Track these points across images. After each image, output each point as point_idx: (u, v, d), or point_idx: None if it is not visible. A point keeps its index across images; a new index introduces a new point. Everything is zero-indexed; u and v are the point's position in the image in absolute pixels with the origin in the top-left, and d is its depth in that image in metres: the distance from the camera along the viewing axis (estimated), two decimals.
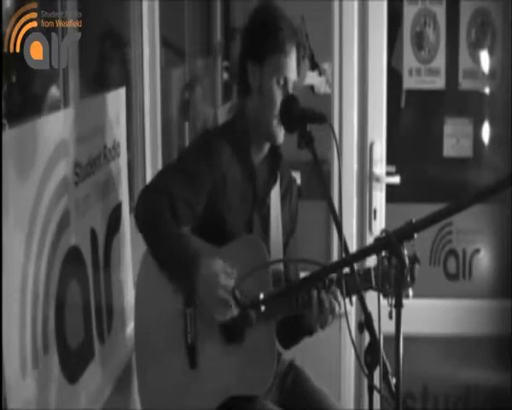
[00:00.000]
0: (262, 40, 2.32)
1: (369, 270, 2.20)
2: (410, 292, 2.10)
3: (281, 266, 2.39)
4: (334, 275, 2.19)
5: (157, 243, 2.25)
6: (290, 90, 2.30)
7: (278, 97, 2.28)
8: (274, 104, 2.29)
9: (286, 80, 2.30)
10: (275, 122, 2.29)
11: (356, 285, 1.94)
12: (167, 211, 2.22)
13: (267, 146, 2.41)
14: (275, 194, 2.43)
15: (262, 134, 2.36)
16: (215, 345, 2.25)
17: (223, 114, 4.41)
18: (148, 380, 2.28)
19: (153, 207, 2.23)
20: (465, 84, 3.48)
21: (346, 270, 2.05)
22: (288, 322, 2.30)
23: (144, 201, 2.27)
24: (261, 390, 2.26)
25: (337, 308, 2.20)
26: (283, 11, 2.35)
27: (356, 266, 1.98)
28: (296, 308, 2.23)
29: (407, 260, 1.59)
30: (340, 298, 2.20)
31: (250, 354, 2.25)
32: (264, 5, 2.39)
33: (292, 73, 2.31)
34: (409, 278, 2.18)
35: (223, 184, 2.31)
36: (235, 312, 2.13)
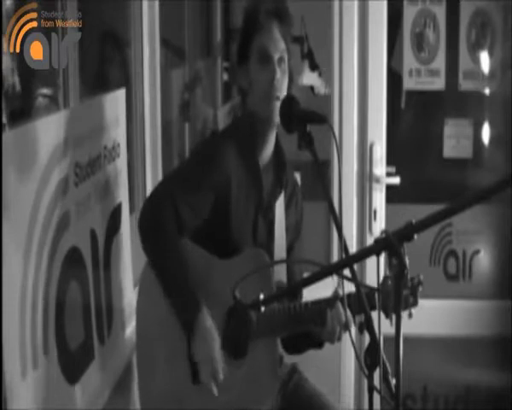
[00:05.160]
0: (243, 34, 2.32)
1: (372, 291, 2.15)
2: (412, 312, 2.19)
3: (284, 278, 2.36)
4: (339, 293, 2.18)
5: (158, 257, 2.25)
6: (281, 72, 2.26)
7: (266, 77, 2.25)
8: (264, 86, 2.26)
9: (267, 52, 2.26)
10: (267, 102, 2.25)
11: (362, 306, 1.88)
12: (171, 218, 2.21)
13: (271, 145, 2.36)
14: (279, 199, 2.40)
15: (263, 122, 2.29)
16: None
17: (223, 115, 4.41)
18: (150, 395, 2.28)
19: (156, 217, 2.23)
20: (465, 84, 3.48)
21: (352, 290, 2.06)
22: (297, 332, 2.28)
23: (147, 210, 2.26)
24: (264, 405, 2.25)
25: (351, 324, 2.18)
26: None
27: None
28: (307, 324, 2.22)
29: (407, 261, 1.58)
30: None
31: (252, 369, 2.24)
32: (246, 8, 2.38)
33: (273, 46, 2.26)
34: (411, 300, 2.20)
35: (228, 186, 2.27)
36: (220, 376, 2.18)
